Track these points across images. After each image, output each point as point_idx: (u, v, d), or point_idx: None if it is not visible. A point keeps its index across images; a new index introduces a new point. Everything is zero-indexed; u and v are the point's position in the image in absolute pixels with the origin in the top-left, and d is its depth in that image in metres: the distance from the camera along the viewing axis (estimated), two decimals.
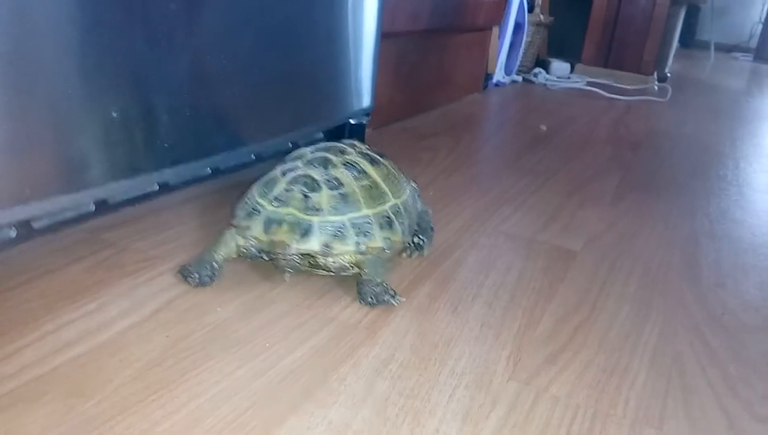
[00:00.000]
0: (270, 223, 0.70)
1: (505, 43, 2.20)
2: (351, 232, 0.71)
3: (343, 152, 0.77)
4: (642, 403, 0.62)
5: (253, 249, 0.72)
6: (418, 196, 0.89)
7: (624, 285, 0.87)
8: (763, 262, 1.00)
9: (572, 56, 2.68)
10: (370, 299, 0.73)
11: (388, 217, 0.74)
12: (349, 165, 0.75)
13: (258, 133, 1.01)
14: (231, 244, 0.73)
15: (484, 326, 0.72)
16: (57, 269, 0.74)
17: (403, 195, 0.80)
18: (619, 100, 2.26)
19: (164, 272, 0.76)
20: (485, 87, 2.17)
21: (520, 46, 2.34)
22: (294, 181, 0.72)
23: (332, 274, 0.75)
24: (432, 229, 0.90)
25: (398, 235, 0.75)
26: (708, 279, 0.91)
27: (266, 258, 0.73)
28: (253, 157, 1.03)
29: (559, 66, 2.59)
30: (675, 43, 3.18)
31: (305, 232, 0.69)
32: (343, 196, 0.72)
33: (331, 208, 0.71)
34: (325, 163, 0.74)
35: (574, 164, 1.42)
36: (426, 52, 1.64)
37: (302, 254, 0.70)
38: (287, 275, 0.73)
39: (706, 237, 1.08)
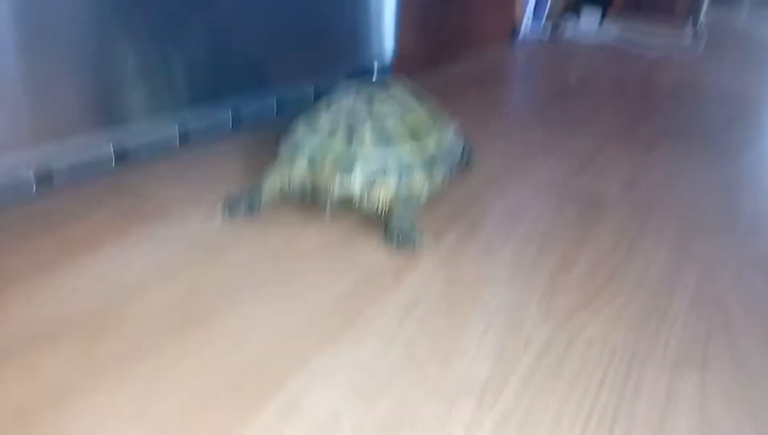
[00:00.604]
0: (314, 159, 0.70)
1: None
2: (394, 170, 0.70)
3: (387, 89, 0.76)
4: (683, 345, 0.60)
5: (296, 185, 0.72)
6: (457, 134, 0.86)
7: (661, 229, 0.83)
8: None
9: (602, 4, 2.58)
10: (397, 240, 0.71)
11: (432, 156, 0.74)
12: (394, 101, 0.74)
13: (278, 77, 0.98)
14: (276, 178, 0.73)
15: (515, 270, 0.70)
16: (78, 216, 0.73)
17: (445, 133, 0.78)
18: (651, 52, 2.17)
19: (189, 217, 0.74)
20: (512, 42, 2.10)
21: None
22: (338, 114, 0.72)
23: (366, 212, 0.73)
24: (472, 150, 0.90)
25: (440, 175, 0.75)
26: (746, 227, 0.87)
27: (307, 195, 0.72)
28: (275, 102, 1.01)
29: (588, 19, 2.50)
30: None
31: (348, 170, 0.69)
32: (387, 131, 0.71)
33: (375, 142, 0.70)
34: (370, 99, 0.73)
35: (605, 113, 1.37)
36: (449, 2, 1.58)
37: (343, 188, 0.70)
38: (326, 213, 0.72)
39: (743, 186, 1.03)
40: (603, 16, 2.54)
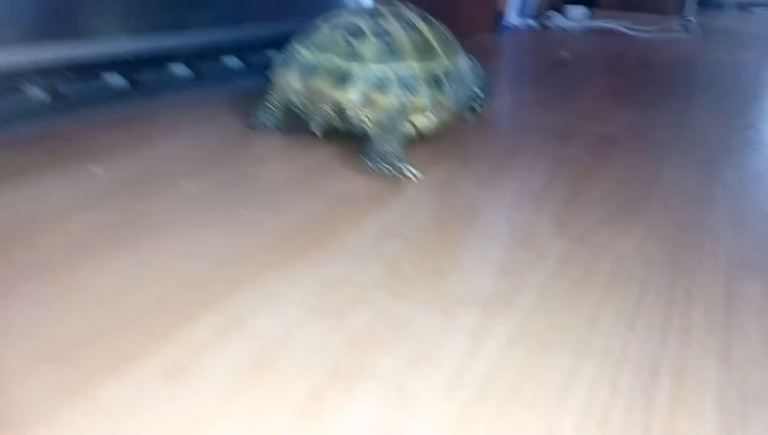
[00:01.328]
0: (306, 70, 0.63)
1: None
2: (394, 85, 0.61)
3: (394, 6, 0.68)
4: (734, 254, 0.48)
5: (286, 98, 0.66)
6: (475, 65, 0.75)
7: (681, 158, 0.72)
8: None
9: (589, 1, 2.51)
10: (376, 162, 0.60)
11: (437, 76, 0.64)
12: (399, 17, 0.66)
13: (235, 14, 0.88)
14: (273, 91, 0.68)
15: (519, 195, 0.58)
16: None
17: (456, 59, 0.69)
18: (644, 36, 2.09)
19: (121, 159, 0.62)
20: (497, 29, 2.02)
21: None
22: (337, 27, 0.64)
23: (359, 132, 0.64)
24: (491, 84, 0.77)
25: (447, 99, 0.65)
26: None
27: (300, 110, 0.66)
28: (234, 44, 0.90)
29: (576, 10, 2.42)
30: None
31: (343, 79, 0.61)
32: (390, 46, 0.63)
33: (375, 56, 0.62)
34: (374, 13, 0.66)
35: (602, 80, 1.27)
36: None
37: (337, 105, 0.62)
38: (318, 129, 0.65)
39: (748, 125, 0.92)
40: (589, 13, 2.47)
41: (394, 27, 0.64)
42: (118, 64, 0.77)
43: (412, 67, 0.63)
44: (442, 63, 0.66)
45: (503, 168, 0.65)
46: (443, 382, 0.31)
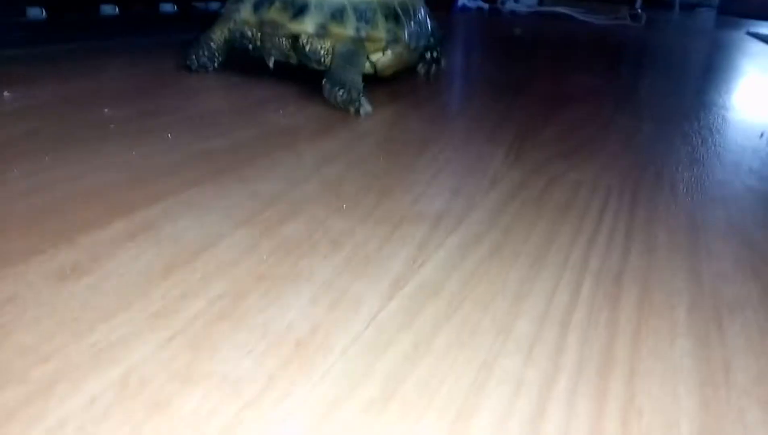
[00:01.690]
0: (261, 3, 0.59)
1: None
2: (351, 16, 0.59)
3: None
4: (694, 187, 0.45)
5: (238, 34, 0.62)
6: (430, 15, 0.73)
7: (637, 113, 0.70)
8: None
9: None
10: (336, 94, 0.56)
11: (395, 10, 0.62)
12: None
13: None
14: (223, 27, 0.64)
15: (472, 132, 0.55)
16: None
17: (416, 2, 0.67)
18: (594, 22, 2.10)
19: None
20: (451, 11, 1.99)
21: None
22: None
23: (312, 64, 0.61)
24: (444, 40, 0.77)
25: (404, 32, 0.63)
26: (720, 108, 0.74)
27: (251, 46, 0.62)
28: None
29: None
30: None
31: (300, 10, 0.58)
32: None
33: None
34: None
35: (555, 52, 1.25)
36: None
37: (292, 38, 0.59)
38: (271, 61, 0.62)
39: (691, 90, 0.91)
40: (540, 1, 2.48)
41: None
42: None
43: (369, 0, 0.60)
44: (399, 1, 0.63)
45: (456, 111, 0.62)
46: (385, 286, 0.27)
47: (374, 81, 0.64)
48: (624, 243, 0.34)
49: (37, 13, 0.70)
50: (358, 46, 0.59)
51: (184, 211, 0.33)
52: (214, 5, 0.98)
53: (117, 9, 0.80)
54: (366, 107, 0.55)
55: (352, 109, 0.55)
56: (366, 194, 0.37)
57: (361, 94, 0.56)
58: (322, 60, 0.59)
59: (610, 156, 0.51)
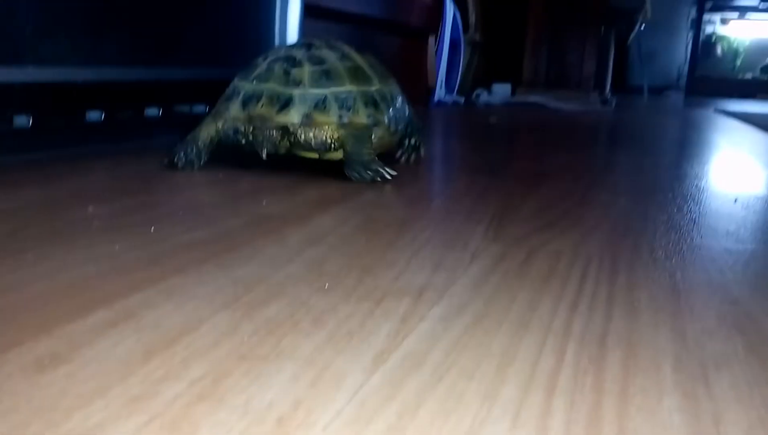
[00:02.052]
0: (248, 100, 0.64)
1: (443, 60, 2.12)
2: (333, 105, 0.64)
3: (326, 40, 0.71)
4: (674, 253, 0.46)
5: (230, 130, 0.66)
6: (408, 103, 0.77)
7: (613, 186, 0.71)
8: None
9: (513, 80, 2.62)
10: (359, 173, 0.63)
11: (374, 97, 0.67)
12: (333, 48, 0.69)
13: (153, 56, 0.85)
14: (210, 127, 0.67)
15: (451, 212, 0.56)
16: None
17: (390, 86, 0.72)
18: (566, 109, 2.18)
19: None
20: (428, 103, 2.07)
21: (458, 64, 2.27)
22: (274, 60, 0.66)
23: (307, 150, 0.66)
24: (424, 128, 0.81)
25: (384, 117, 0.67)
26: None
27: (244, 141, 0.65)
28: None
29: (501, 88, 2.52)
30: (610, 66, 3.19)
31: (285, 104, 0.63)
32: (326, 72, 0.65)
33: (313, 81, 0.64)
34: (309, 46, 0.68)
35: (529, 136, 1.29)
36: (360, 45, 1.52)
37: (282, 129, 0.63)
38: (264, 153, 0.65)
39: (655, 165, 0.94)
40: (513, 90, 2.58)
41: (330, 56, 0.67)
42: (27, 105, 0.72)
43: (349, 90, 0.65)
44: (377, 87, 0.68)
45: (435, 192, 0.63)
46: (368, 360, 0.27)
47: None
48: (606, 307, 0.34)
49: (23, 120, 0.72)
50: (365, 131, 0.65)
51: (165, 299, 0.33)
52: (199, 108, 1.01)
53: (102, 115, 0.82)
54: (389, 172, 0.64)
55: (378, 179, 0.63)
56: (348, 273, 0.38)
57: (382, 166, 0.64)
58: (329, 149, 0.64)
59: (588, 228, 0.52)
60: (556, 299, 0.35)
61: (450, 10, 2.14)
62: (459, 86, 2.33)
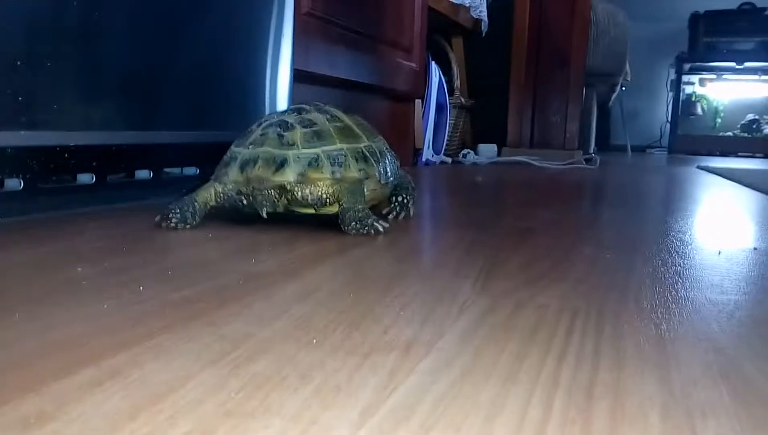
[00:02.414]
0: (246, 163, 0.68)
1: (429, 122, 2.16)
2: (326, 162, 0.68)
3: (316, 104, 0.76)
4: (660, 305, 0.46)
5: (231, 193, 0.69)
6: (396, 160, 0.81)
7: (598, 241, 0.72)
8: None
9: (498, 141, 2.67)
10: (354, 225, 0.67)
11: (363, 153, 0.72)
12: (322, 111, 0.74)
13: (149, 120, 0.86)
14: (210, 190, 0.70)
15: (438, 268, 0.56)
16: None
17: (378, 142, 0.77)
18: (551, 167, 2.22)
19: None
20: (415, 163, 2.10)
21: (445, 126, 2.31)
22: (268, 126, 0.71)
23: (312, 210, 0.70)
24: (413, 188, 0.84)
25: (374, 170, 0.72)
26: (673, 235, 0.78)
27: (245, 202, 0.69)
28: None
29: (487, 148, 2.57)
30: (593, 126, 3.26)
31: (280, 164, 0.67)
32: (317, 133, 0.70)
33: (305, 142, 0.68)
34: (299, 110, 0.73)
35: (515, 194, 1.31)
36: (348, 109, 1.56)
37: (279, 188, 0.67)
38: (264, 211, 0.68)
39: (641, 220, 0.96)
40: (499, 151, 2.62)
41: (319, 118, 0.72)
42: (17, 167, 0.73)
43: (340, 147, 0.70)
44: (365, 144, 0.73)
45: (423, 249, 0.64)
46: (355, 414, 0.27)
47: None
48: (593, 358, 0.35)
49: (14, 184, 0.72)
50: (358, 184, 0.70)
51: (152, 356, 0.33)
52: (189, 170, 1.02)
53: (93, 177, 0.83)
54: (382, 225, 0.68)
55: (372, 232, 0.67)
56: (335, 328, 0.38)
57: (375, 220, 0.68)
58: (325, 204, 0.69)
59: (574, 281, 0.52)
60: (543, 351, 0.35)
61: (435, 75, 2.20)
62: (446, 147, 2.37)
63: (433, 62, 2.19)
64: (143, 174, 0.92)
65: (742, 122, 4.92)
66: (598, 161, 2.51)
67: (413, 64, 1.89)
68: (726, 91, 4.99)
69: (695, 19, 4.72)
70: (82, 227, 0.70)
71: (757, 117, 4.88)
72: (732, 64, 4.73)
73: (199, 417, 0.26)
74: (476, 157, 2.43)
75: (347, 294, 0.46)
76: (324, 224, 0.71)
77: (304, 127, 0.69)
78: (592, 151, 3.02)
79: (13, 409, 0.26)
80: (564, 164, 2.32)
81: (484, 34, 2.59)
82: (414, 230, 0.76)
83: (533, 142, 2.73)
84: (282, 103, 1.11)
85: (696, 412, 0.28)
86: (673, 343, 0.37)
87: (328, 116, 0.73)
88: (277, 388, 0.29)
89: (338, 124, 0.72)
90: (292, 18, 1.12)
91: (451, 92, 2.44)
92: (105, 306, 0.41)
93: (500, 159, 2.48)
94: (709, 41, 4.68)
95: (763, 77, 4.78)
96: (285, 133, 0.68)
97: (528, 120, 2.72)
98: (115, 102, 0.82)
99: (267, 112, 1.08)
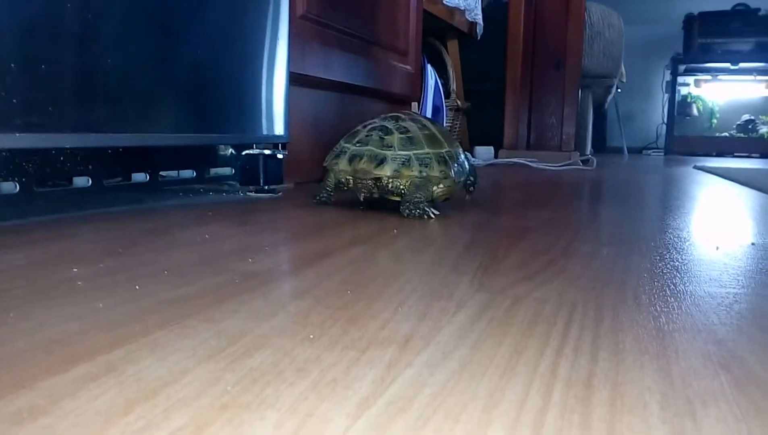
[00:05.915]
0: (354, 157, 0.87)
1: None
2: (416, 163, 0.85)
3: (408, 114, 0.95)
4: (658, 298, 0.46)
5: (340, 178, 0.90)
6: (467, 160, 0.99)
7: (596, 239, 0.72)
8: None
9: (494, 143, 2.67)
10: (410, 209, 0.84)
11: (444, 157, 0.88)
12: (414, 120, 0.92)
13: (147, 122, 0.86)
14: (330, 176, 0.92)
15: (436, 265, 0.56)
16: None
17: (455, 148, 0.93)
18: (548, 168, 2.22)
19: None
20: None
21: None
22: (372, 129, 0.89)
23: (393, 195, 0.87)
24: (476, 175, 1.05)
25: (451, 171, 0.88)
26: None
27: (348, 186, 0.89)
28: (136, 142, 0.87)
29: (484, 150, 2.57)
30: (590, 128, 3.26)
31: (381, 161, 0.85)
32: (410, 139, 0.87)
33: (401, 146, 0.86)
34: (396, 118, 0.92)
35: (512, 193, 1.31)
36: (345, 111, 1.56)
37: (375, 180, 0.86)
38: (362, 196, 0.89)
39: (637, 217, 0.96)
40: (495, 153, 2.62)
41: (412, 127, 0.89)
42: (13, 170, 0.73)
43: (427, 152, 0.87)
44: (446, 150, 0.90)
45: (420, 248, 0.63)
46: (353, 406, 0.27)
47: (339, 225, 0.66)
48: (591, 350, 0.34)
49: (10, 187, 0.72)
50: (425, 181, 0.85)
51: (148, 353, 0.33)
52: (186, 173, 1.02)
53: (90, 180, 0.82)
54: (433, 212, 0.84)
55: (426, 217, 0.83)
56: (333, 324, 0.38)
57: (429, 207, 0.84)
58: (401, 192, 0.86)
59: (572, 276, 0.52)
60: (541, 344, 0.35)
61: (431, 77, 2.20)
62: None
63: (429, 65, 2.20)
64: (140, 177, 0.92)
65: (738, 123, 4.94)
66: (595, 162, 2.51)
67: (409, 67, 1.89)
68: (721, 91, 5.00)
69: (690, 20, 4.74)
70: (78, 230, 0.69)
71: (752, 117, 4.90)
72: (727, 64, 4.75)
73: (194, 411, 0.26)
74: (474, 159, 2.43)
75: (345, 291, 0.45)
76: (323, 223, 0.70)
77: (401, 133, 0.87)
78: (588, 152, 3.02)
79: (6, 404, 0.26)
80: (561, 166, 2.33)
81: (479, 38, 2.59)
82: (409, 232, 0.76)
83: (530, 144, 2.73)
84: (278, 105, 1.11)
85: (696, 401, 0.28)
86: (673, 335, 0.37)
87: (419, 125, 0.90)
88: (274, 381, 0.29)
89: (426, 132, 0.89)
90: (288, 21, 1.12)
91: (447, 95, 2.44)
92: (100, 304, 0.41)
93: (497, 161, 2.48)
94: (703, 42, 4.70)
95: (759, 77, 4.80)
96: (385, 137, 0.87)
97: (524, 122, 2.72)
98: (110, 105, 0.82)
99: (263, 114, 1.08)
